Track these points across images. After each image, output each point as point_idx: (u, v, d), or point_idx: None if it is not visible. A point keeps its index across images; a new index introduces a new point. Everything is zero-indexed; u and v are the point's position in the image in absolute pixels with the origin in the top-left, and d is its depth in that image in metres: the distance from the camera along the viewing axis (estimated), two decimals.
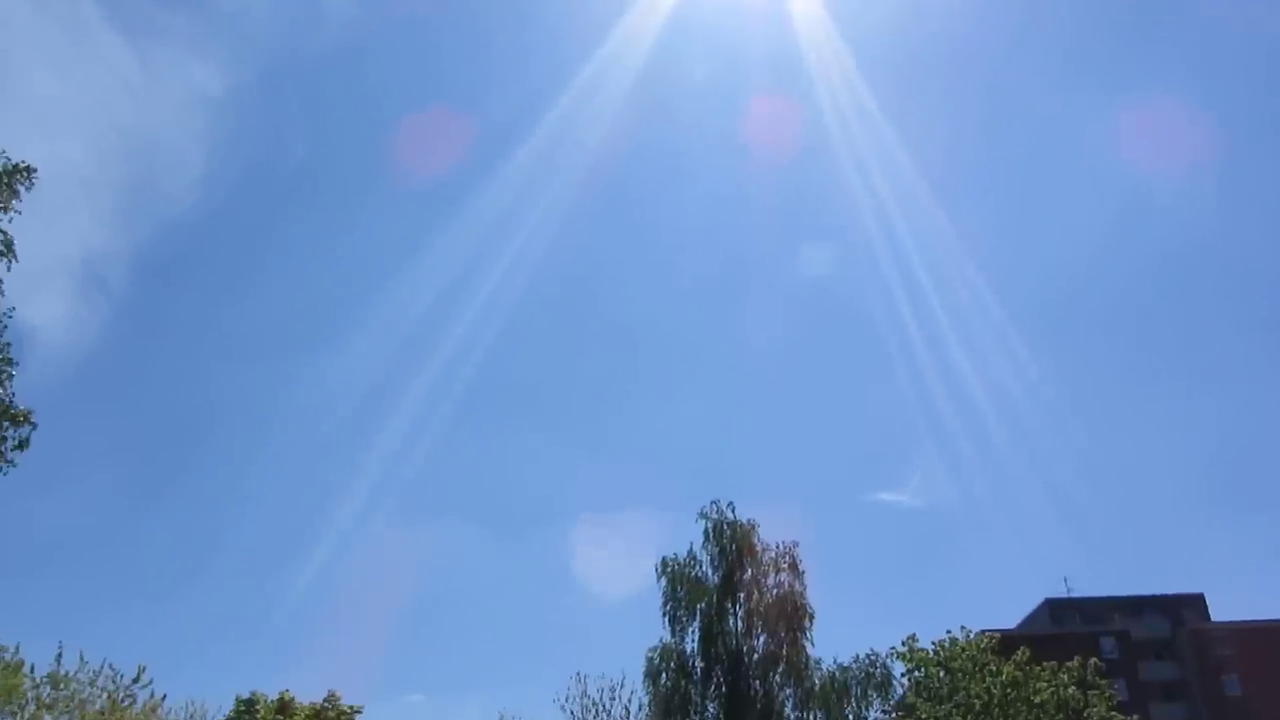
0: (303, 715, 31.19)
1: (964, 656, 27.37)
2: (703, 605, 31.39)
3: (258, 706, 31.02)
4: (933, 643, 28.37)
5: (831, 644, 52.53)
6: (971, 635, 28.32)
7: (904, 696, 29.08)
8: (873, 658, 30.25)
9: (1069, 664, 27.28)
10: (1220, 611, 76.27)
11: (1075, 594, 76.38)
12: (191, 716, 30.79)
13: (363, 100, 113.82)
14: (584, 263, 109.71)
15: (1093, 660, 27.78)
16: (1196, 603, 76.63)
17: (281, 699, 31.50)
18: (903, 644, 28.72)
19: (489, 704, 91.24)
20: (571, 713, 32.07)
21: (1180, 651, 72.64)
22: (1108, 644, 67.93)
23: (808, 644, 30.80)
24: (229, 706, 31.48)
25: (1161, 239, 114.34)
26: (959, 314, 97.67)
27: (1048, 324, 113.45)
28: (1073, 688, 26.53)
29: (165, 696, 29.71)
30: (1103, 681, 27.50)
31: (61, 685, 26.73)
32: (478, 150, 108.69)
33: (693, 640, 31.26)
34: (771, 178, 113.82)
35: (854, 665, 30.35)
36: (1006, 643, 29.38)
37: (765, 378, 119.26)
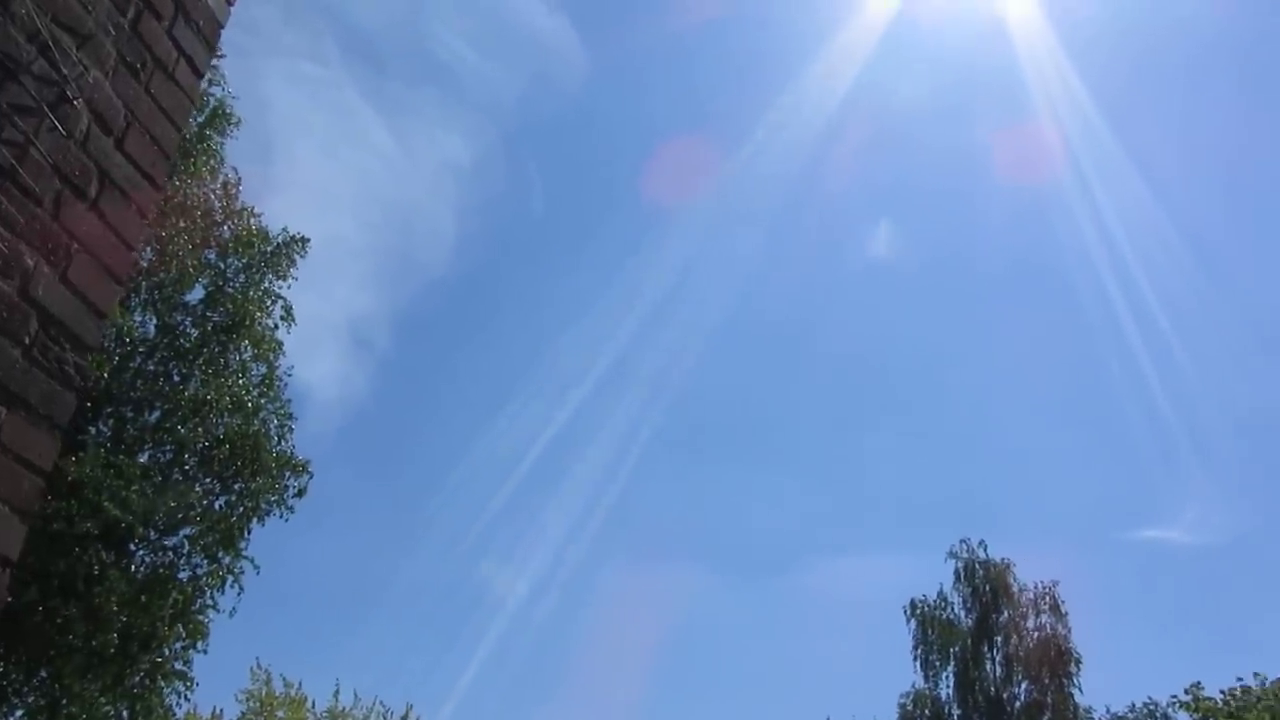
0: None
1: (1259, 707, 25.77)
2: (956, 649, 31.15)
3: None
4: (1221, 691, 26.86)
5: (1101, 692, 50.15)
6: (1267, 682, 26.60)
7: None
8: (1151, 707, 29.09)
9: None
10: None
11: None
12: None
13: (590, 154, 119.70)
14: (802, 290, 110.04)
15: None
16: None
17: None
18: (1186, 692, 27.34)
19: None
20: None
21: None
22: None
23: (1075, 691, 30.09)
24: None
25: None
26: (1221, 338, 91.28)
27: None
28: None
29: None
30: None
31: None
32: (696, 182, 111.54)
33: (947, 686, 31.08)
34: (996, 204, 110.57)
35: (1130, 715, 29.35)
36: None
37: (1007, 408, 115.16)
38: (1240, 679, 27.02)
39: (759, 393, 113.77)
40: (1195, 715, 27.03)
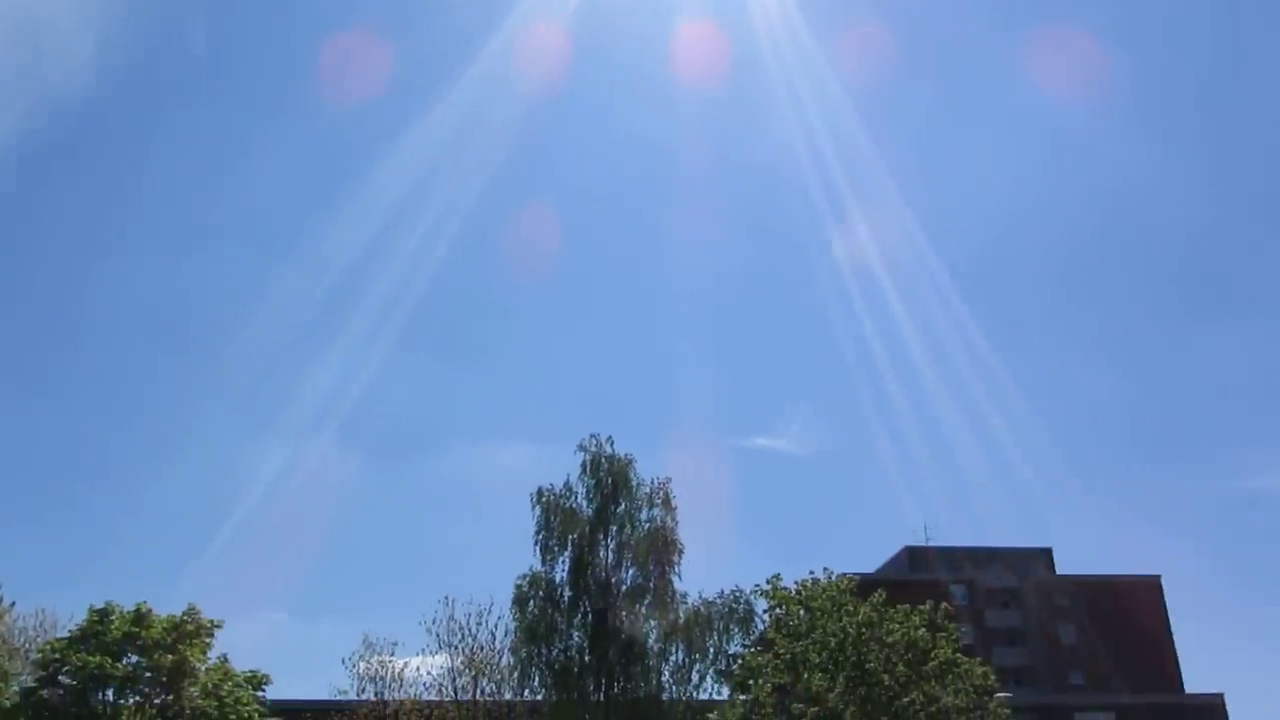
0: (160, 628, 31.33)
1: (824, 596, 29.21)
2: (575, 536, 32.55)
3: (112, 617, 31.00)
4: (795, 582, 30.15)
5: (700, 579, 55.13)
6: (833, 577, 30.16)
7: (764, 632, 30.91)
8: (737, 594, 32.02)
9: (921, 608, 29.38)
10: (1067, 565, 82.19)
11: (934, 543, 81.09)
12: (41, 625, 30.66)
13: (272, 4, 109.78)
14: (498, 197, 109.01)
15: (943, 605, 29.99)
16: (1044, 556, 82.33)
17: (138, 610, 31.51)
18: (767, 582, 30.45)
19: (353, 625, 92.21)
20: (437, 635, 33.14)
21: (1024, 601, 78.14)
22: (959, 591, 72.68)
23: (675, 578, 32.44)
24: (82, 616, 31.33)
25: (1069, 181, 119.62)
26: (889, 263, 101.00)
27: (970, 275, 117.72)
28: (922, 630, 28.63)
29: (14, 604, 29.52)
30: (950, 625, 29.76)
31: None
32: (397, 82, 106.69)
33: (563, 570, 32.50)
34: (700, 110, 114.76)
35: (719, 600, 32.04)
36: (865, 585, 31.42)
37: (665, 317, 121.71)
38: (812, 572, 30.55)
39: (430, 284, 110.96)
40: (772, 601, 30.28)
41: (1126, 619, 74.59)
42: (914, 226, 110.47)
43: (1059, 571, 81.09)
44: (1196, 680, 72.73)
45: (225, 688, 33.13)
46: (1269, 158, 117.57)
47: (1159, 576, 78.21)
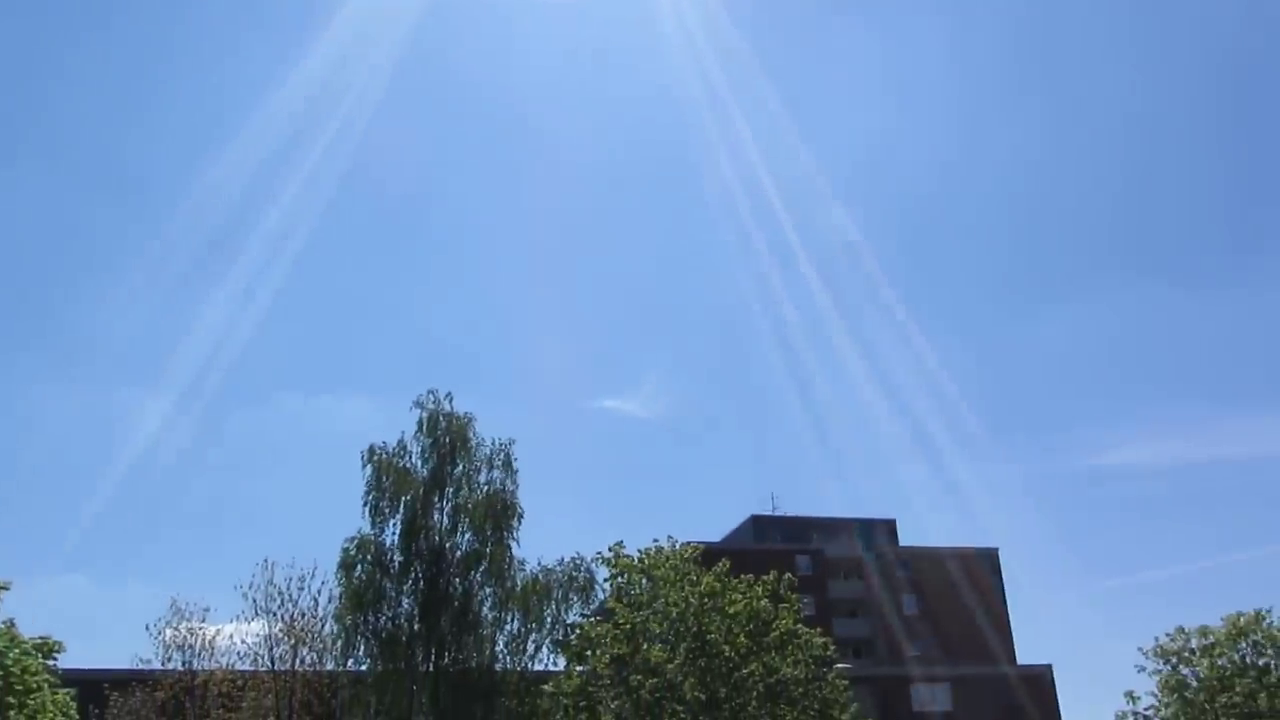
0: None
1: (667, 565, 28.52)
2: (408, 498, 31.10)
3: None
4: (639, 550, 29.33)
5: (540, 546, 54.05)
6: (677, 545, 29.47)
7: (605, 601, 29.99)
8: (578, 561, 31.04)
9: (765, 578, 28.96)
10: (910, 537, 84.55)
11: (780, 512, 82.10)
12: None
13: None
14: (345, 139, 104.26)
15: (786, 575, 29.66)
16: (888, 527, 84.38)
17: None
18: (609, 550, 29.54)
19: (161, 588, 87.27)
20: (254, 600, 31.03)
21: (866, 572, 79.90)
22: (804, 561, 73.70)
23: (513, 544, 31.29)
24: None
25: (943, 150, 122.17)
26: (746, 217, 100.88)
27: (831, 246, 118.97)
28: (765, 600, 28.22)
29: None
30: (793, 596, 29.47)
31: None
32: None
33: (394, 533, 31.04)
34: (564, 47, 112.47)
35: (558, 568, 31.03)
36: (710, 555, 30.89)
37: (516, 271, 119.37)
38: (656, 540, 29.79)
39: (292, 234, 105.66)
40: (613, 570, 29.39)
41: (964, 591, 77.17)
42: (787, 184, 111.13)
43: (902, 543, 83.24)
44: (1030, 652, 76.10)
45: (10, 655, 30.27)
46: (1107, 134, 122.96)
47: (996, 549, 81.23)
